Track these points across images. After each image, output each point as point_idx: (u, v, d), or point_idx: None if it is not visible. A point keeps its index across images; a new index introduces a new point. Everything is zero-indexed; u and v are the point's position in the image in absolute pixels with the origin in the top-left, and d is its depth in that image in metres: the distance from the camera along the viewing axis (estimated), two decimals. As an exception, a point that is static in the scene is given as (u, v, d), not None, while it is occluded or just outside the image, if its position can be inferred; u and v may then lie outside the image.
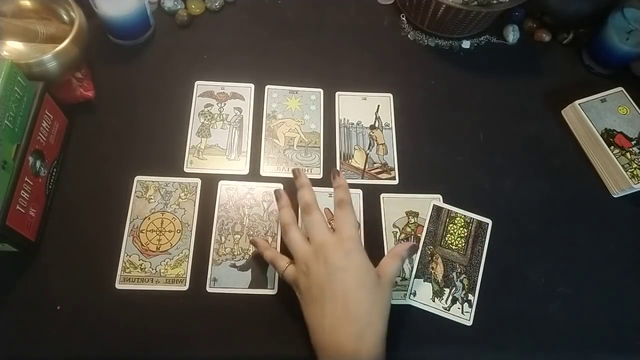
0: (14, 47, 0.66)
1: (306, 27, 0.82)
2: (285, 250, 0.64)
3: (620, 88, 0.74)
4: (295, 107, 0.74)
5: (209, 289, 0.60)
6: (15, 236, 0.55)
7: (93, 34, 0.68)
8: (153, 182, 0.66)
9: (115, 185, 0.65)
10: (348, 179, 0.69)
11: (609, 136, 0.71)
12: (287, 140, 0.71)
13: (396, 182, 0.69)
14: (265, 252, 0.59)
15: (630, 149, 0.70)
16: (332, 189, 0.67)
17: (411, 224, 0.66)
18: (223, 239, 0.63)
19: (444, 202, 0.68)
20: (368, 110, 0.75)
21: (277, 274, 0.61)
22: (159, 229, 0.63)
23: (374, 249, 0.64)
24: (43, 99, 0.60)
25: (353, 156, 0.71)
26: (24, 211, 0.56)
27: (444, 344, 0.60)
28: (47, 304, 0.58)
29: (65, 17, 0.68)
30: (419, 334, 0.60)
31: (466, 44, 0.82)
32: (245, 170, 0.68)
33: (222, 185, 0.67)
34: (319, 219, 0.56)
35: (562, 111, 0.77)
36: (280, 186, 0.67)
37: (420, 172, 0.70)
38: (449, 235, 0.66)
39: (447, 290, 0.62)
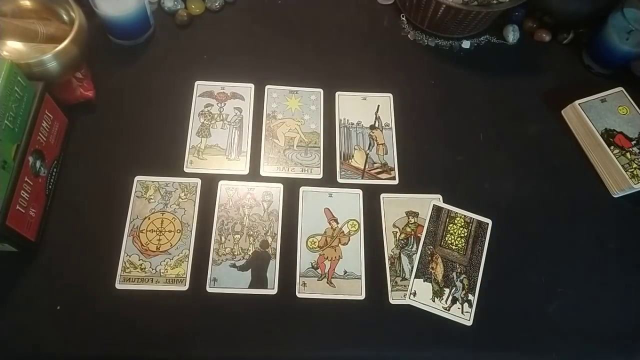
0: (14, 47, 0.66)
1: (306, 27, 0.82)
2: (286, 247, 0.64)
3: (620, 88, 0.74)
4: (295, 107, 0.74)
5: (209, 289, 0.60)
6: (15, 236, 0.55)
7: (93, 34, 0.68)
8: (153, 182, 0.66)
9: (115, 185, 0.65)
10: (348, 179, 0.69)
11: (609, 136, 0.71)
12: (287, 140, 0.71)
13: (396, 182, 0.69)
14: None
15: (630, 149, 0.70)
16: (332, 189, 0.68)
17: (411, 224, 0.66)
18: (223, 239, 0.63)
19: (444, 202, 0.68)
20: (368, 110, 0.75)
21: (277, 274, 0.62)
22: (159, 229, 0.63)
23: (374, 249, 0.64)
24: (43, 99, 0.60)
25: (353, 156, 0.71)
26: (24, 211, 0.56)
27: (444, 344, 0.60)
28: (47, 304, 0.58)
29: (65, 17, 0.68)
30: (419, 334, 0.60)
31: (466, 44, 0.82)
32: (245, 170, 0.68)
33: (222, 185, 0.67)
34: None
35: (562, 111, 0.77)
36: (280, 186, 0.67)
37: (420, 172, 0.70)
38: (449, 235, 0.66)
39: (447, 290, 0.62)
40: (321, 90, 0.76)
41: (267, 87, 0.75)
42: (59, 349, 0.56)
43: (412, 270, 0.63)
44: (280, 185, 0.67)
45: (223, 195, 0.66)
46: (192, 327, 0.58)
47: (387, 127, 0.74)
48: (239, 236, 0.64)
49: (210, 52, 0.77)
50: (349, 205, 0.67)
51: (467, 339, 0.60)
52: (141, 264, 0.61)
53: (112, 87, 0.72)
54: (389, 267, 0.63)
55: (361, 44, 0.81)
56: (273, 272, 0.62)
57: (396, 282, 0.63)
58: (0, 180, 0.52)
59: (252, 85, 0.75)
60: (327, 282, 0.62)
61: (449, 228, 0.66)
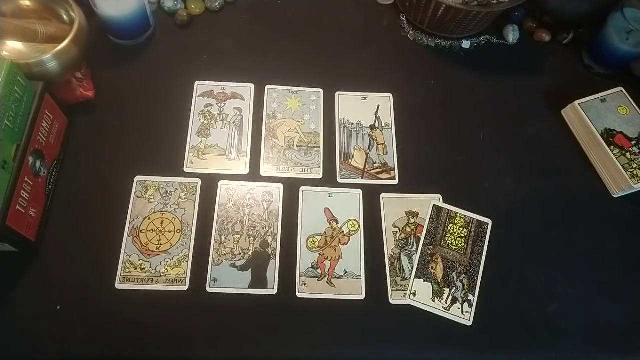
0: (14, 47, 0.66)
1: (306, 27, 0.82)
2: (286, 247, 0.64)
3: (620, 88, 0.74)
4: (295, 107, 0.74)
5: (209, 289, 0.60)
6: (15, 236, 0.55)
7: (93, 34, 0.68)
8: (153, 182, 0.66)
9: (115, 185, 0.65)
10: (348, 179, 0.69)
11: (609, 136, 0.71)
12: (287, 140, 0.71)
13: (396, 182, 0.69)
14: None
15: (630, 149, 0.70)
16: (332, 189, 0.68)
17: (411, 224, 0.66)
18: (223, 239, 0.63)
19: (444, 202, 0.68)
20: (368, 110, 0.75)
21: (277, 274, 0.62)
22: (159, 229, 0.63)
23: (374, 249, 0.64)
24: (43, 99, 0.60)
25: (353, 156, 0.71)
26: (24, 211, 0.56)
27: (444, 344, 0.60)
28: (47, 304, 0.58)
29: (65, 17, 0.68)
30: (419, 334, 0.60)
31: (466, 44, 0.82)
32: (245, 170, 0.68)
33: (222, 185, 0.67)
34: None
35: (562, 111, 0.77)
36: (280, 186, 0.67)
37: (420, 172, 0.70)
38: (449, 235, 0.66)
39: (447, 290, 0.62)
40: (321, 90, 0.76)
41: (267, 87, 0.75)
42: (59, 349, 0.56)
43: (412, 270, 0.63)
44: (280, 185, 0.67)
45: (223, 195, 0.66)
46: (192, 327, 0.58)
47: (387, 127, 0.74)
48: (239, 236, 0.64)
49: (210, 52, 0.77)
50: (349, 205, 0.67)
51: (467, 339, 0.60)
52: (141, 264, 0.61)
53: (112, 87, 0.72)
54: (389, 267, 0.63)
55: (361, 43, 0.81)
56: (273, 272, 0.62)
57: (396, 282, 0.63)
58: (0, 180, 0.52)
59: (252, 85, 0.75)
60: (327, 282, 0.62)
61: (449, 228, 0.66)
